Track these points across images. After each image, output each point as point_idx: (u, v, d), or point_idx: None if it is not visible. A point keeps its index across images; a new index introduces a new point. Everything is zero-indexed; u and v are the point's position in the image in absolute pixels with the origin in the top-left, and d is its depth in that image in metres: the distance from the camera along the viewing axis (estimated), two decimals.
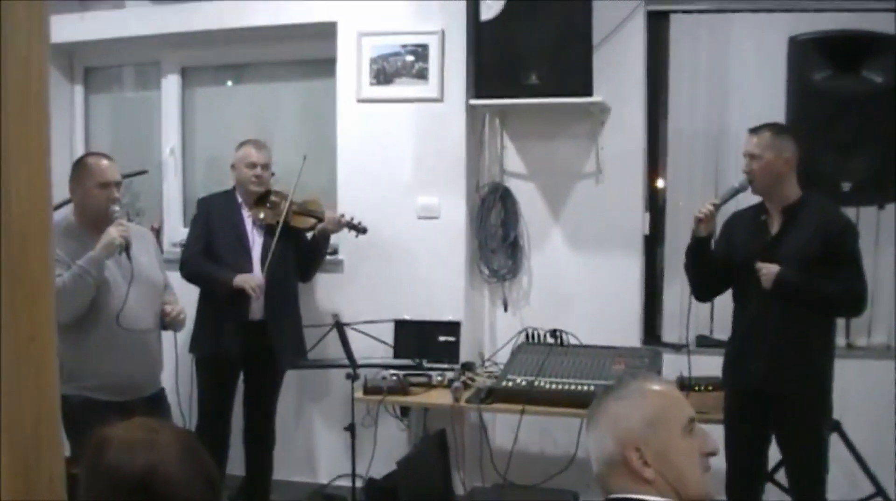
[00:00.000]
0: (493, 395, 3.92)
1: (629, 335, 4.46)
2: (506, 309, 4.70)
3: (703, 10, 4.42)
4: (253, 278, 4.19)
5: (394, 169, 4.62)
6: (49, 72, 1.56)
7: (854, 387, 3.89)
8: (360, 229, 4.42)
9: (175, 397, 3.70)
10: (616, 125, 4.49)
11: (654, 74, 4.56)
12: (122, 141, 5.34)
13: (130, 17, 4.95)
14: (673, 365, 3.93)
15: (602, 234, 4.54)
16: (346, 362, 4.00)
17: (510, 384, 3.92)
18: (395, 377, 4.11)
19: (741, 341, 3.53)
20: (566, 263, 4.62)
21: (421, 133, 4.59)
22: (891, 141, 3.69)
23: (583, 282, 4.57)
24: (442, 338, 4.41)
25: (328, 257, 4.63)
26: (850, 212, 3.78)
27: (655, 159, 4.62)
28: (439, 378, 4.15)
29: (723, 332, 4.04)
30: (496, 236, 4.66)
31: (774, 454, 3.56)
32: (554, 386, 3.85)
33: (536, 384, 3.86)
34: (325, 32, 4.68)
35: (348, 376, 3.99)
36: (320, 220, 4.39)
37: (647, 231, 4.58)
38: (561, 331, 4.22)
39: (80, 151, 5.12)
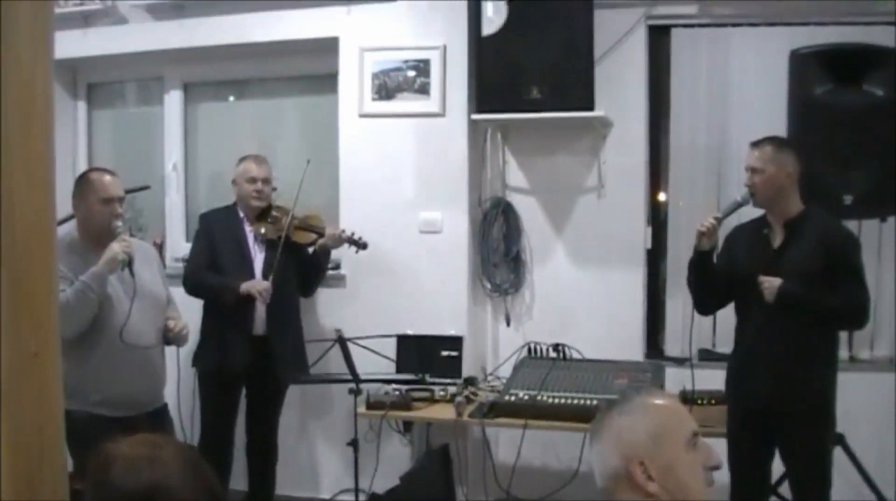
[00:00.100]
0: (496, 409, 3.91)
1: (632, 348, 4.46)
2: (508, 324, 4.70)
3: (704, 24, 4.43)
4: (260, 283, 4.19)
5: (396, 184, 4.63)
6: (53, 88, 1.56)
7: (857, 400, 3.88)
8: (360, 245, 4.42)
9: (177, 411, 3.70)
10: (618, 139, 4.50)
11: (656, 88, 4.58)
12: (124, 156, 5.35)
13: (133, 33, 4.97)
14: (676, 379, 3.92)
15: (604, 248, 4.54)
16: (348, 377, 4.00)
17: (513, 398, 3.90)
18: (397, 392, 4.10)
19: (744, 354, 3.53)
20: (568, 277, 4.62)
21: (423, 148, 4.60)
22: (892, 154, 3.68)
23: (585, 296, 4.57)
24: (444, 353, 4.40)
25: (330, 272, 4.64)
26: (851, 225, 3.78)
27: (657, 173, 4.63)
28: (442, 393, 4.14)
29: (725, 345, 4.05)
30: (498, 250, 4.67)
31: (778, 467, 3.55)
32: (557, 401, 3.84)
33: (539, 398, 3.85)
34: (327, 48, 4.69)
35: (351, 391, 3.98)
36: (321, 235, 4.40)
37: (649, 245, 4.58)
38: (563, 345, 4.21)
39: (83, 166, 5.12)
